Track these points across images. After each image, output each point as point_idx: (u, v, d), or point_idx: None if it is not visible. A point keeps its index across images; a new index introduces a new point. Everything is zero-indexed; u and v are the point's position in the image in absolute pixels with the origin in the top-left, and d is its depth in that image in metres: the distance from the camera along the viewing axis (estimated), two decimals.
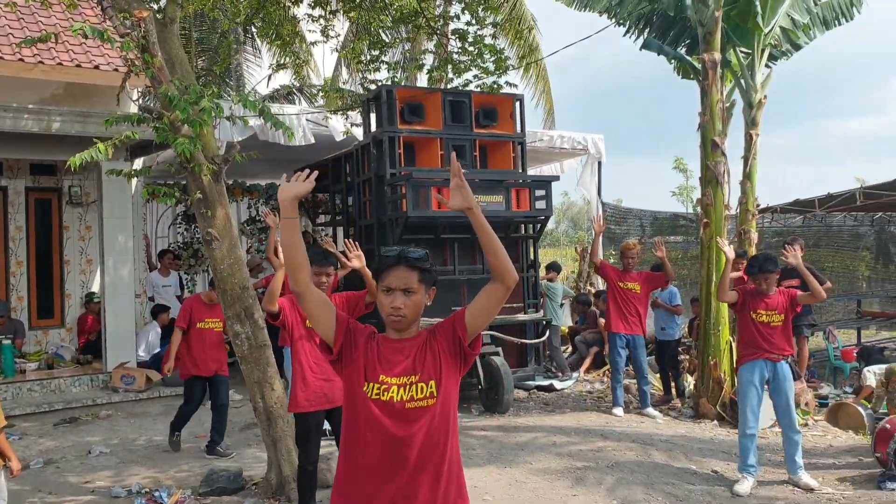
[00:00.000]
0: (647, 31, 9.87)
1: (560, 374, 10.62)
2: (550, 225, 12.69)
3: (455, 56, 9.45)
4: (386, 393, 2.67)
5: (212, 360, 7.27)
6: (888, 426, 6.25)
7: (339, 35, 9.58)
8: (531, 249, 9.77)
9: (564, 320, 12.10)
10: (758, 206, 9.63)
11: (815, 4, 9.79)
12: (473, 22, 9.15)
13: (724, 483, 6.17)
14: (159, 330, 10.60)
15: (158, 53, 5.51)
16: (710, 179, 8.41)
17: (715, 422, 8.18)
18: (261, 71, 20.26)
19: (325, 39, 9.51)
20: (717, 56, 8.32)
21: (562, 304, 11.73)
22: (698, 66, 8.60)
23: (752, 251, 9.43)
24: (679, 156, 44.87)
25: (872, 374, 8.08)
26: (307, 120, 10.27)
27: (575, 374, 10.71)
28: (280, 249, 3.89)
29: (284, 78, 20.22)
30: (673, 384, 9.39)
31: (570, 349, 11.89)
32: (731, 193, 8.63)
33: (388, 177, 8.81)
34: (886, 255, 18.69)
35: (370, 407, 2.68)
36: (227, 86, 18.96)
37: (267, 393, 5.94)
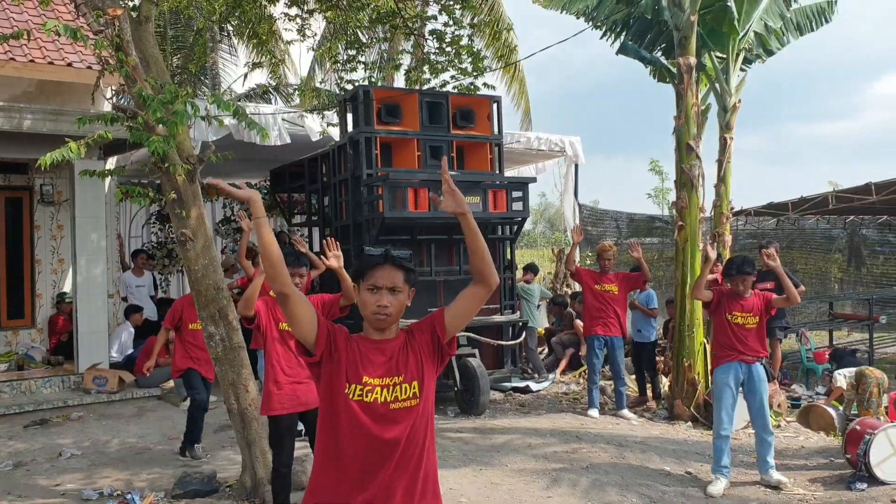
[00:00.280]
0: (623, 34, 9.93)
1: (536, 375, 10.64)
2: (527, 226, 12.73)
3: (432, 57, 9.43)
4: (369, 394, 2.66)
5: (206, 361, 7.01)
6: (858, 428, 6.33)
7: (315, 34, 9.52)
8: (508, 251, 9.79)
9: (541, 322, 12.13)
10: (732, 208, 9.73)
11: (788, 10, 9.90)
12: (451, 23, 9.15)
13: (698, 484, 6.22)
14: (132, 330, 10.51)
15: (133, 52, 5.45)
16: (685, 182, 8.47)
17: (689, 423, 8.24)
18: (237, 70, 20.15)
19: (301, 38, 9.47)
20: (693, 60, 8.38)
21: (538, 306, 11.76)
22: (674, 69, 8.66)
23: (727, 254, 9.52)
24: (655, 158, 45.17)
25: (843, 377, 8.18)
26: (283, 119, 10.20)
27: (551, 376, 10.74)
28: (260, 254, 3.79)
29: (261, 77, 20.15)
30: (649, 385, 9.44)
31: (546, 350, 11.92)
32: (706, 196, 8.70)
33: (365, 177, 8.78)
34: (858, 258, 18.94)
35: (352, 408, 2.66)
36: (202, 84, 18.83)
37: (241, 395, 5.90)
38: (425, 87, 9.93)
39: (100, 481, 6.37)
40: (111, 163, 10.29)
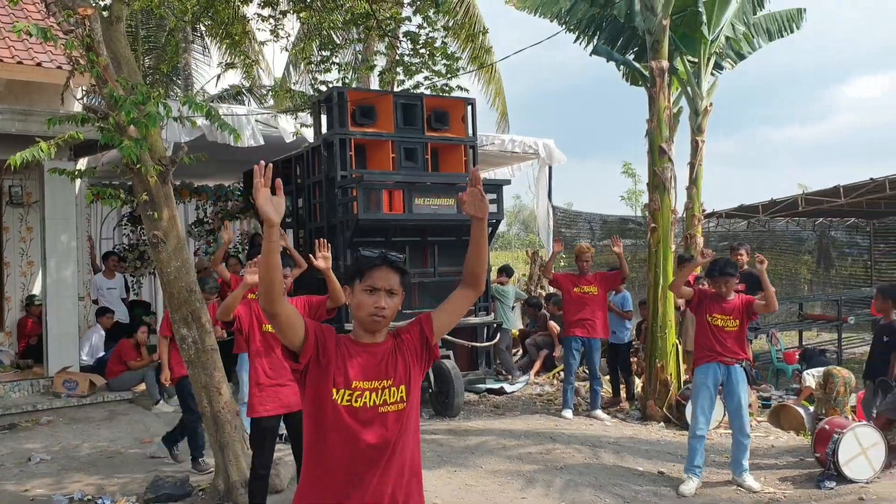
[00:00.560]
0: (596, 37, 10.00)
1: (508, 376, 10.67)
2: (502, 228, 12.76)
3: (406, 58, 9.43)
4: (359, 399, 2.66)
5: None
6: (827, 427, 6.42)
7: (289, 35, 9.47)
8: None
9: (515, 323, 12.17)
10: (703, 211, 9.83)
11: (754, 14, 10.03)
12: (425, 25, 9.16)
13: (671, 484, 6.27)
14: (103, 333, 10.38)
15: (104, 52, 5.39)
16: (658, 185, 8.54)
17: (662, 424, 8.30)
18: (210, 70, 19.99)
19: (274, 39, 9.42)
20: (665, 64, 8.46)
21: (513, 307, 11.80)
22: (646, 73, 8.74)
23: (698, 256, 9.62)
24: (628, 161, 45.49)
25: (811, 377, 8.29)
26: (256, 121, 10.15)
27: (525, 377, 10.77)
28: (261, 275, 3.68)
29: (234, 78, 19.97)
30: (623, 386, 9.50)
31: (520, 352, 11.96)
32: (678, 198, 8.79)
33: (339, 179, 8.76)
34: (827, 260, 19.21)
35: (340, 413, 2.65)
36: (174, 85, 18.67)
37: (214, 397, 5.86)
38: (399, 88, 9.93)
39: (70, 486, 6.30)
40: (82, 164, 10.17)
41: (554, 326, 11.30)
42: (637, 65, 9.68)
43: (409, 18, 9.34)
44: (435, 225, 9.00)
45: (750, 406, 8.34)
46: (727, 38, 9.77)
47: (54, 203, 9.62)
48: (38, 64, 9.77)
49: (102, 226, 13.79)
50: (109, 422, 8.66)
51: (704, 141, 9.41)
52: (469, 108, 9.69)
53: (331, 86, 9.57)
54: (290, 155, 10.27)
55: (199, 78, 19.94)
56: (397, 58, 9.39)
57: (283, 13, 9.12)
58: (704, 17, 8.87)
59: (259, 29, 9.92)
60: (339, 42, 10.91)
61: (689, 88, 9.37)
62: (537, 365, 11.15)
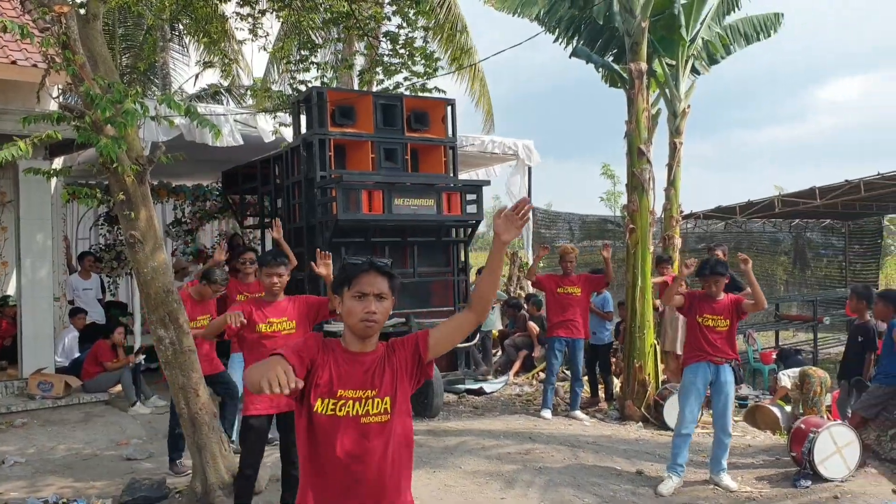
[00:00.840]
0: (576, 39, 10.04)
1: (484, 376, 10.67)
2: (482, 229, 12.75)
3: (386, 58, 9.42)
4: (342, 408, 2.64)
5: (205, 361, 6.52)
6: (803, 426, 6.49)
7: (268, 34, 9.42)
8: (462, 253, 9.80)
9: (495, 324, 12.18)
10: (681, 212, 9.91)
11: (724, 20, 10.12)
12: (405, 24, 9.15)
13: (649, 483, 6.30)
14: (76, 333, 10.26)
15: (80, 50, 5.33)
16: (636, 186, 8.59)
17: (640, 423, 8.35)
18: (188, 70, 19.87)
19: (253, 38, 9.38)
20: (644, 66, 8.50)
21: (492, 308, 11.81)
22: (625, 74, 8.78)
23: (677, 256, 9.69)
24: (607, 162, 45.72)
25: (787, 377, 8.37)
26: (235, 120, 10.09)
27: (504, 378, 10.79)
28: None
29: (213, 77, 19.87)
30: (601, 387, 9.53)
31: (499, 352, 11.98)
32: (656, 200, 8.84)
33: (318, 179, 8.73)
34: (803, 261, 19.43)
35: (324, 422, 2.64)
36: (152, 84, 18.53)
37: (191, 399, 5.81)
38: (378, 88, 9.91)
39: (44, 489, 6.22)
40: (57, 163, 10.06)
41: (533, 327, 11.34)
42: (616, 67, 9.73)
43: (388, 18, 9.33)
44: (415, 226, 8.99)
45: None
46: (704, 41, 9.84)
47: (29, 202, 9.51)
48: (13, 62, 9.63)
49: (79, 226, 13.66)
50: (85, 424, 8.57)
51: (682, 143, 9.48)
52: (449, 108, 9.68)
53: (310, 86, 9.54)
54: (269, 155, 10.22)
55: (177, 77, 19.82)
56: (377, 58, 9.37)
57: (262, 12, 9.08)
58: (682, 20, 8.93)
59: (238, 28, 9.87)
60: (318, 42, 10.88)
61: (667, 90, 9.44)
62: (517, 365, 11.17)
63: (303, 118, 9.34)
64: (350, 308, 2.70)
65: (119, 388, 9.40)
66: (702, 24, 9.54)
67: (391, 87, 9.59)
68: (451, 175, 9.62)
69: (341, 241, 8.54)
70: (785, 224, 18.67)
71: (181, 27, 14.22)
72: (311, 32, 10.28)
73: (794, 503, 5.90)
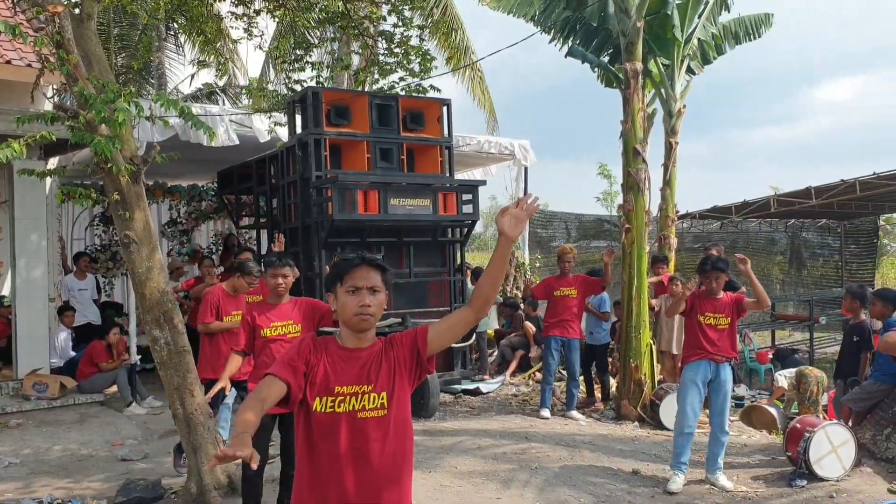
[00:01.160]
0: (571, 39, 10.02)
1: (484, 376, 10.67)
2: (478, 229, 12.78)
3: (381, 58, 9.40)
4: (341, 405, 2.65)
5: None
6: (798, 426, 6.48)
7: (263, 33, 9.39)
8: (458, 253, 9.81)
9: (490, 323, 12.18)
10: (677, 211, 9.90)
11: (718, 20, 10.12)
12: (400, 23, 9.14)
13: (646, 483, 6.31)
14: (69, 332, 10.22)
15: (74, 50, 5.32)
16: (632, 186, 8.58)
17: (636, 423, 8.35)
18: (183, 70, 19.83)
19: (248, 37, 9.35)
20: (639, 66, 8.50)
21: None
22: (620, 74, 8.78)
23: (673, 256, 9.69)
24: (603, 162, 45.70)
25: (783, 377, 8.38)
26: (231, 120, 10.07)
27: (501, 378, 10.79)
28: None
29: (208, 76, 19.85)
30: (598, 386, 9.53)
31: (495, 352, 11.97)
32: (652, 199, 8.83)
33: (314, 179, 8.72)
34: (799, 260, 19.47)
35: (321, 419, 2.65)
36: (147, 84, 18.49)
37: (187, 399, 5.80)
38: (373, 88, 9.89)
39: (39, 490, 6.21)
40: (52, 163, 10.03)
41: (530, 327, 11.33)
42: (611, 67, 9.72)
43: (384, 17, 9.32)
44: (410, 226, 8.99)
45: None
46: (699, 41, 9.85)
47: (24, 202, 9.48)
48: (8, 62, 9.61)
49: (74, 226, 13.63)
50: (80, 424, 8.55)
51: (678, 142, 9.47)
52: (444, 108, 9.69)
53: (306, 85, 9.53)
54: (264, 155, 10.21)
55: (172, 77, 19.79)
56: (371, 56, 9.36)
57: (257, 11, 9.06)
58: (677, 20, 8.93)
59: (233, 27, 9.85)
60: (313, 41, 10.86)
61: (662, 90, 9.43)
62: (513, 365, 11.16)
63: (298, 118, 9.34)
64: (344, 303, 2.71)
65: (114, 388, 9.38)
66: (696, 24, 9.54)
67: (386, 87, 9.58)
68: (447, 175, 9.63)
69: (337, 242, 8.53)
70: (781, 224, 18.70)
71: (176, 26, 14.18)
72: (306, 32, 10.26)
73: (789, 502, 5.90)
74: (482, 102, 17.97)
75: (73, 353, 10.07)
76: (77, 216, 13.43)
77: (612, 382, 9.56)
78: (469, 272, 11.52)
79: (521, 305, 12.10)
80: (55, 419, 8.74)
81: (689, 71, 10.06)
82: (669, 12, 8.83)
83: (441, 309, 9.21)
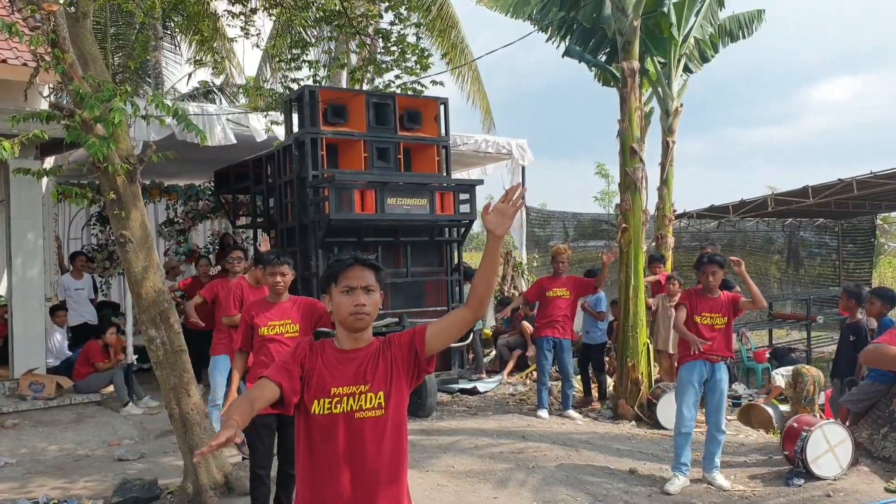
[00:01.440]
0: (568, 38, 10.03)
1: (481, 375, 10.67)
2: (475, 229, 12.74)
3: (378, 56, 9.40)
4: (338, 406, 2.65)
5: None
6: (795, 425, 6.49)
7: (259, 32, 9.39)
8: (455, 253, 9.79)
9: (487, 322, 12.17)
10: (674, 211, 9.91)
11: (717, 19, 10.13)
12: (397, 21, 9.13)
13: (642, 482, 6.30)
14: (63, 331, 10.19)
15: (70, 49, 5.31)
16: (629, 185, 8.58)
17: (633, 422, 8.34)
18: (180, 69, 19.82)
19: (245, 36, 9.35)
20: (636, 64, 8.49)
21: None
22: (617, 73, 8.77)
23: (670, 255, 9.69)
24: (601, 161, 45.72)
25: (781, 376, 8.38)
26: (227, 119, 10.06)
27: (498, 377, 10.78)
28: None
29: (205, 75, 19.82)
30: (594, 386, 9.53)
31: (492, 351, 11.97)
32: (649, 199, 8.83)
33: (311, 179, 8.70)
34: (796, 260, 19.46)
35: (324, 422, 2.65)
36: (144, 83, 18.48)
37: (183, 399, 5.80)
38: (370, 87, 9.88)
39: (35, 490, 6.19)
40: (49, 162, 10.01)
41: (527, 326, 11.33)
42: (608, 66, 9.72)
43: (380, 15, 9.31)
44: (407, 225, 8.97)
45: None
46: (696, 40, 9.85)
47: (20, 202, 9.46)
48: (3, 60, 9.59)
49: (70, 225, 13.60)
50: (77, 424, 8.53)
51: (675, 141, 9.48)
52: (442, 107, 9.66)
53: (302, 84, 9.52)
54: (261, 154, 10.19)
55: (169, 76, 19.77)
56: (368, 55, 9.36)
57: (254, 10, 9.05)
58: (674, 19, 8.93)
59: (229, 25, 9.84)
60: (310, 40, 10.85)
61: (659, 89, 9.44)
62: (510, 365, 11.16)
63: (295, 117, 9.32)
64: (339, 303, 2.71)
65: (111, 388, 9.37)
66: (694, 22, 9.54)
67: (382, 86, 9.57)
68: (445, 174, 9.61)
69: (334, 241, 8.51)
70: (778, 223, 18.69)
71: (172, 25, 14.16)
72: (303, 31, 10.26)
73: (786, 501, 5.90)
74: (477, 102, 17.97)
75: (68, 353, 10.05)
76: (74, 215, 13.40)
77: (609, 381, 9.57)
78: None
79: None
80: (51, 419, 8.73)
81: (687, 69, 10.06)
82: (666, 11, 8.84)
83: (438, 308, 9.20)
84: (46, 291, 10.02)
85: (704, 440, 6.41)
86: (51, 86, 9.81)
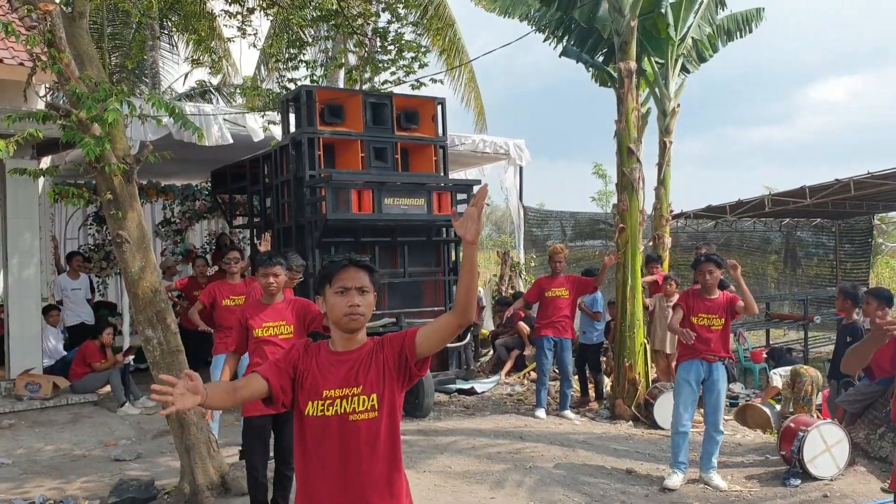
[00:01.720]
0: (565, 38, 10.02)
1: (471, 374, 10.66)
2: None
3: (375, 55, 9.39)
4: (330, 408, 2.65)
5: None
6: (792, 425, 6.49)
7: (256, 32, 9.38)
8: (453, 253, 9.78)
9: (486, 323, 12.17)
10: (671, 211, 9.91)
11: (716, 18, 10.13)
12: (394, 20, 9.13)
13: (639, 482, 6.30)
14: (57, 331, 10.17)
15: (66, 48, 5.30)
16: (626, 185, 8.58)
17: (630, 422, 8.34)
18: (177, 68, 19.80)
19: (241, 36, 9.34)
20: (633, 65, 8.49)
21: (483, 307, 11.79)
22: (615, 74, 8.77)
23: (667, 255, 9.70)
24: (599, 161, 45.74)
25: (778, 376, 8.38)
26: (224, 119, 10.04)
27: (495, 377, 10.78)
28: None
29: (202, 74, 19.80)
30: (591, 386, 9.53)
31: (490, 352, 11.96)
32: (646, 199, 8.83)
33: (308, 179, 8.70)
34: (794, 260, 19.47)
35: (317, 425, 2.65)
36: (142, 83, 18.45)
37: None
38: (367, 86, 9.87)
39: (32, 490, 6.18)
40: (45, 162, 9.99)
41: (524, 327, 11.32)
42: (605, 66, 9.72)
43: (377, 15, 9.31)
44: (405, 225, 8.97)
45: None
46: (693, 40, 9.85)
47: (16, 201, 9.44)
48: (0, 60, 9.59)
49: (67, 225, 13.58)
50: (73, 425, 8.52)
51: (672, 142, 9.48)
52: (439, 107, 9.66)
53: (299, 84, 9.51)
54: (258, 154, 10.18)
55: (166, 75, 19.74)
56: (365, 54, 9.35)
57: (251, 10, 9.04)
58: (671, 19, 8.92)
59: (226, 25, 9.83)
60: (307, 40, 10.84)
61: (656, 89, 9.44)
62: (508, 365, 11.16)
63: (292, 117, 9.31)
64: (333, 304, 2.71)
65: (108, 388, 9.35)
66: (691, 22, 9.54)
67: (379, 84, 9.56)
68: (442, 174, 9.60)
69: (331, 241, 8.51)
70: (775, 223, 18.70)
71: (169, 25, 14.13)
72: (300, 30, 10.25)
73: (783, 502, 5.90)
74: (470, 102, 17.97)
75: (64, 352, 10.04)
76: (70, 215, 13.38)
77: (607, 382, 9.56)
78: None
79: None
80: (48, 419, 8.71)
81: (684, 70, 10.06)
82: (663, 11, 8.83)
83: (435, 309, 9.20)
84: (43, 292, 10.00)
85: (702, 440, 6.41)
86: (47, 85, 9.79)
